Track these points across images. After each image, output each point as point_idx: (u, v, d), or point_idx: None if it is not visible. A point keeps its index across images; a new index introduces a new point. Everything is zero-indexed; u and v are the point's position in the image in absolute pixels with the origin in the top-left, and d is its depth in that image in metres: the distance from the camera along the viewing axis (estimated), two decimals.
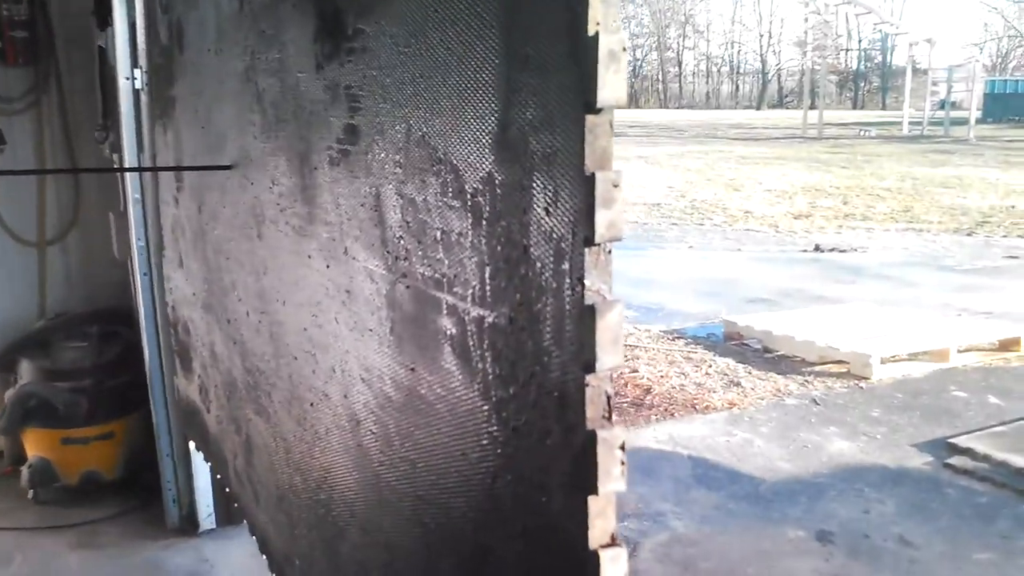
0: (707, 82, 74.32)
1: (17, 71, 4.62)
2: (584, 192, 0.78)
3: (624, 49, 0.77)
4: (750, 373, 6.30)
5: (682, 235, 12.74)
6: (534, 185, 0.86)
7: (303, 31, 1.42)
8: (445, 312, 1.08)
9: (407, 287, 1.17)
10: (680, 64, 72.83)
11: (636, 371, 6.38)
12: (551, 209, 0.84)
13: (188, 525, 4.05)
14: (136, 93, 3.57)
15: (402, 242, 1.17)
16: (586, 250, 0.80)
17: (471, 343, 1.03)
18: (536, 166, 0.85)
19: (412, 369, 1.19)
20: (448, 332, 1.08)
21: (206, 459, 2.84)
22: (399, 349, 1.22)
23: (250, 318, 1.98)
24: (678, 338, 7.27)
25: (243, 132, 1.83)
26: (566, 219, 0.82)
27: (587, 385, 0.84)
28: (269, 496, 2.04)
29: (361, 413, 1.39)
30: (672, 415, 5.55)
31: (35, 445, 4.34)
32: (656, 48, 72.63)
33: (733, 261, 10.83)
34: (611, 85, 0.76)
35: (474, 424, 1.05)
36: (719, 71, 74.67)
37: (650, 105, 69.04)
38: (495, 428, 1.00)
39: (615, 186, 0.78)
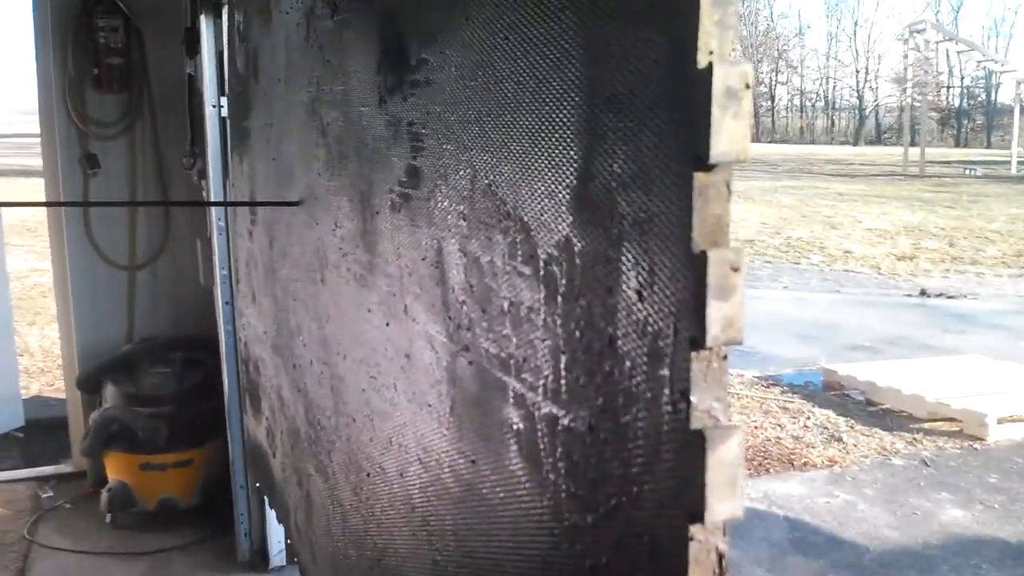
0: (801, 117, 72.87)
1: (112, 97, 4.68)
2: (691, 276, 0.59)
3: (748, 86, 0.57)
4: (852, 428, 5.91)
5: (777, 274, 12.27)
6: (623, 259, 0.67)
7: (366, 61, 1.26)
8: (512, 401, 0.89)
9: (469, 362, 0.98)
10: (773, 99, 71.56)
11: None
12: (645, 293, 0.65)
13: (259, 560, 3.98)
14: (223, 121, 3.52)
15: (465, 308, 0.99)
16: (693, 354, 0.60)
17: (541, 446, 0.83)
18: (626, 234, 0.66)
19: (473, 461, 1.00)
20: (514, 426, 0.89)
21: (270, 505, 2.70)
22: (459, 434, 1.03)
23: (313, 367, 1.82)
24: (773, 385, 6.91)
25: (309, 167, 1.68)
26: (666, 310, 0.62)
27: (691, 539, 0.63)
28: (325, 561, 1.88)
29: (417, 498, 1.20)
30: (767, 470, 5.21)
31: (115, 469, 4.35)
32: None
33: (832, 304, 10.36)
34: (729, 133, 0.57)
35: (540, 547, 0.85)
36: (813, 106, 73.19)
37: None
38: (566, 560, 0.80)
39: (735, 270, 0.58)
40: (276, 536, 3.89)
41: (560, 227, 0.77)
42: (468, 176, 0.96)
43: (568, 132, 0.75)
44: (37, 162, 4.87)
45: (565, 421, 0.78)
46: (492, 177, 0.90)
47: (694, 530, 0.63)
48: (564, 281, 0.77)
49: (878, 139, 66.26)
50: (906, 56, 42.47)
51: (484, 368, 0.95)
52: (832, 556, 4.23)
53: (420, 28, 1.07)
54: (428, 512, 1.20)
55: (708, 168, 0.59)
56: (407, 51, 1.11)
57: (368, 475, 1.43)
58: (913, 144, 38.95)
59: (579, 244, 0.74)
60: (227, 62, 2.92)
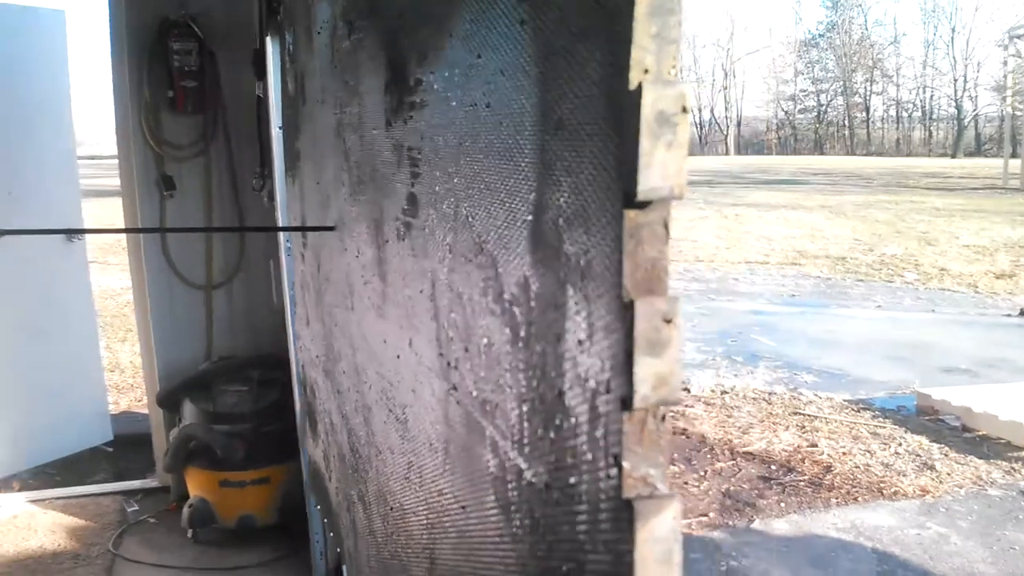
0: (897, 128, 70.64)
1: (187, 119, 4.76)
2: (623, 328, 0.51)
3: (685, 110, 0.49)
4: (946, 455, 5.62)
5: (869, 292, 11.83)
6: (568, 304, 0.60)
7: (376, 82, 1.22)
8: (489, 448, 0.82)
9: (458, 403, 0.92)
10: (868, 109, 69.59)
11: (815, 445, 5.84)
12: (585, 345, 0.58)
13: None
14: None
15: (453, 345, 0.93)
16: (624, 416, 0.53)
17: (511, 499, 0.76)
18: (570, 277, 0.59)
19: (463, 508, 0.93)
20: (492, 474, 0.82)
21: (328, 529, 2.68)
22: (452, 478, 0.97)
23: (350, 394, 1.79)
24: (863, 409, 6.63)
25: (339, 191, 1.65)
26: (600, 364, 0.55)
27: None
28: None
29: (425, 538, 1.14)
30: (855, 499, 4.98)
31: (196, 486, 4.41)
32: (842, 93, 69.82)
33: (927, 324, 9.94)
34: (662, 166, 0.49)
35: None
36: (910, 116, 70.90)
37: (835, 151, 66.26)
38: None
39: (667, 322, 0.50)
40: None
41: (520, 265, 0.70)
42: (452, 205, 0.90)
43: (523, 161, 0.68)
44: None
45: (528, 475, 0.71)
46: (469, 207, 0.84)
47: None
48: (524, 324, 0.70)
49: (978, 150, 63.83)
50: (1006, 63, 40.95)
51: (468, 412, 0.89)
52: None
53: (416, 45, 1.02)
54: (440, 553, 1.14)
55: (640, 206, 0.51)
56: (407, 71, 1.05)
57: (391, 508, 1.38)
58: (1014, 155, 37.38)
59: (535, 285, 0.67)
60: (280, 84, 2.93)
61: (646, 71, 0.49)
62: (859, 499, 4.98)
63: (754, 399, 6.96)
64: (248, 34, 4.18)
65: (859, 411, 6.59)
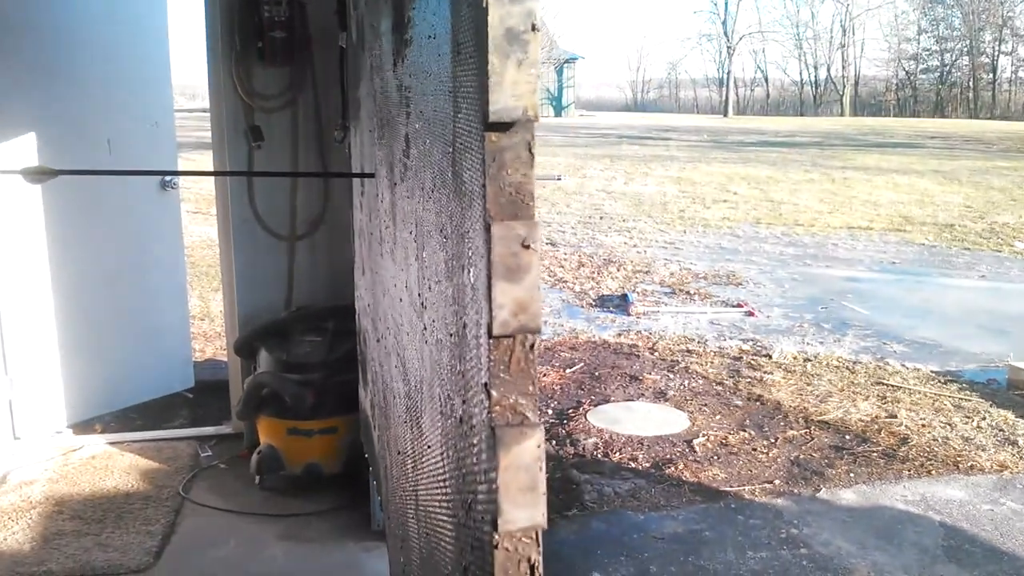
0: None
1: (275, 71, 4.81)
2: (487, 254, 0.49)
3: (535, 27, 0.46)
4: None
5: (974, 262, 11.35)
6: (468, 233, 0.58)
7: (388, 22, 1.21)
8: (438, 386, 0.81)
9: (426, 342, 0.91)
10: (995, 70, 66.09)
11: (894, 416, 5.67)
12: (469, 273, 0.56)
13: None
14: None
15: (425, 284, 0.92)
16: (490, 343, 0.51)
17: (450, 437, 0.75)
18: (467, 205, 0.57)
19: (429, 447, 0.93)
20: (440, 412, 0.81)
21: (372, 476, 2.73)
22: (425, 419, 0.97)
23: (383, 341, 1.80)
24: (951, 382, 6.39)
25: (372, 137, 1.65)
26: (473, 293, 0.53)
27: (496, 547, 0.54)
28: (395, 539, 1.86)
29: (411, 484, 1.15)
30: (929, 472, 4.83)
31: (266, 433, 4.52)
32: (968, 53, 66.38)
33: None
34: (512, 85, 0.46)
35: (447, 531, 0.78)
36: None
37: (957, 115, 63.27)
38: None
39: (525, 247, 0.48)
40: None
41: (449, 196, 0.69)
42: (425, 142, 0.89)
43: (446, 89, 0.66)
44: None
45: (457, 410, 0.70)
46: (429, 143, 0.82)
47: (499, 538, 0.54)
48: (450, 256, 0.68)
49: None
50: None
51: (432, 349, 0.88)
52: (988, 568, 3.88)
53: None
54: (418, 501, 1.14)
55: (501, 128, 0.49)
56: (403, 9, 1.04)
57: (398, 453, 1.39)
58: None
59: (456, 216, 0.65)
60: (347, 34, 2.94)
61: None
62: (932, 472, 4.84)
63: (837, 367, 6.79)
64: None
65: (945, 383, 6.37)
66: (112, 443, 5.06)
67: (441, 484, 0.78)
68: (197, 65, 4.90)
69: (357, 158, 2.65)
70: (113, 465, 4.77)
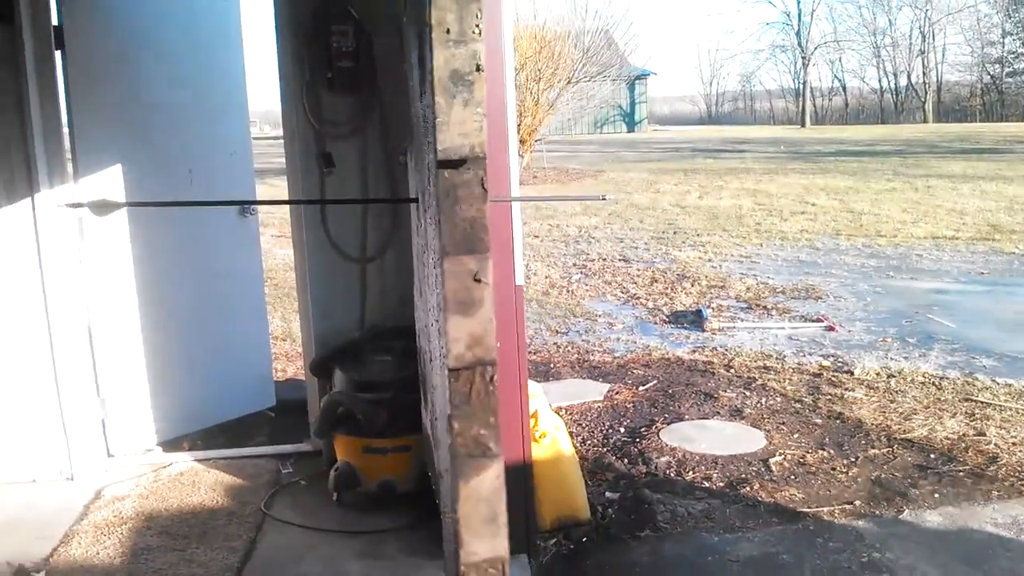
0: None
1: (343, 99, 4.95)
2: (440, 286, 0.51)
3: (479, 68, 0.48)
4: None
5: None
6: (429, 265, 0.59)
7: (415, 54, 1.24)
8: (427, 412, 0.83)
9: (430, 360, 0.94)
10: None
11: (983, 434, 5.47)
12: (432, 305, 0.58)
13: None
14: None
15: (427, 301, 0.94)
16: (450, 375, 0.52)
17: (436, 466, 0.77)
18: (431, 237, 0.58)
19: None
20: (428, 437, 0.83)
21: (435, 498, 2.75)
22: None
23: (431, 365, 1.84)
24: None
25: (412, 161, 1.68)
26: (437, 325, 0.55)
27: None
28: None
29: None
30: (1021, 493, 4.64)
31: (343, 451, 4.63)
32: None
33: None
34: (459, 124, 0.48)
35: None
36: None
37: None
38: None
39: (477, 280, 0.50)
40: None
41: (419, 229, 0.71)
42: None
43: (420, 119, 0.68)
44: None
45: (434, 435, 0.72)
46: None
47: (464, 569, 0.55)
48: (420, 281, 0.70)
49: None
50: None
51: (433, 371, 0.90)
52: None
53: (419, 20, 1.04)
54: None
55: (454, 165, 0.51)
56: (423, 43, 1.07)
57: (439, 473, 1.42)
58: None
59: (427, 247, 0.67)
60: (407, 59, 3.00)
61: (448, 31, 0.49)
62: None
63: (922, 383, 6.60)
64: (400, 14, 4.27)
65: None
66: (199, 460, 5.24)
67: (451, 512, 0.79)
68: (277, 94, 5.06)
69: (413, 182, 2.70)
70: (199, 482, 4.93)
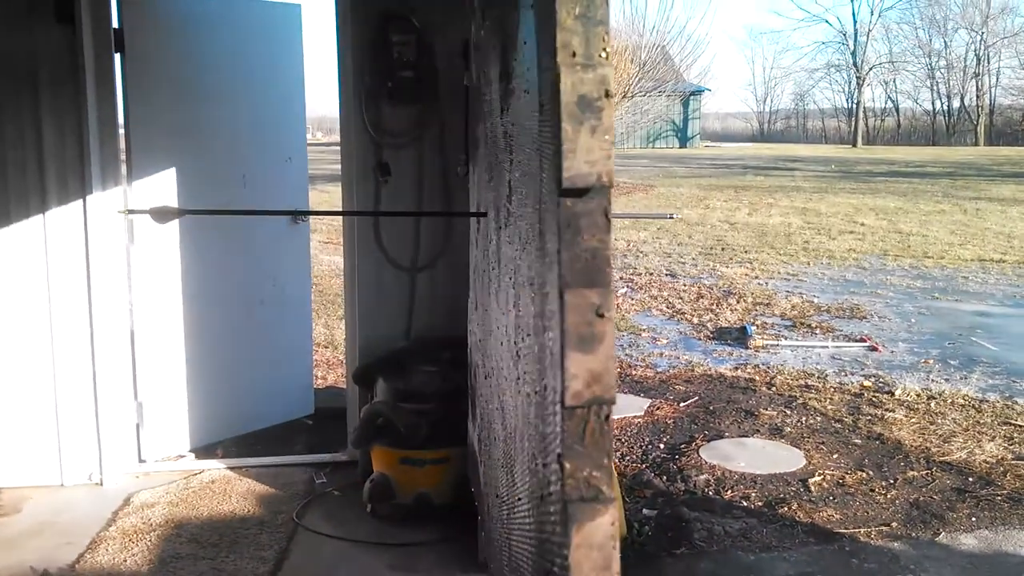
0: None
1: (403, 109, 4.91)
2: (560, 322, 0.50)
3: (608, 94, 0.47)
4: None
5: None
6: (549, 299, 0.59)
7: (495, 70, 1.24)
8: (528, 453, 0.82)
9: (518, 392, 0.93)
10: None
11: (1021, 459, 5.38)
12: (549, 338, 0.57)
13: None
14: None
15: (520, 335, 0.94)
16: (564, 413, 0.52)
17: (546, 495, 0.76)
18: (549, 271, 0.58)
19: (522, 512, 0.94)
20: (528, 476, 0.82)
21: (478, 512, 2.74)
22: (514, 478, 0.98)
23: (489, 379, 1.83)
24: None
25: (482, 177, 1.69)
26: (551, 357, 0.54)
27: None
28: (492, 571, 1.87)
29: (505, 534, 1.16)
30: None
31: (379, 461, 4.58)
32: None
33: None
34: (587, 151, 0.47)
35: None
36: None
37: None
38: None
39: (600, 315, 0.49)
40: None
41: (531, 261, 0.70)
42: (521, 192, 0.91)
43: (536, 146, 0.68)
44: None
45: (527, 461, 0.72)
46: (523, 195, 0.84)
47: None
48: (530, 318, 0.70)
49: None
50: None
51: (525, 404, 0.89)
52: None
53: (510, 31, 1.03)
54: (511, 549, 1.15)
55: (577, 194, 0.50)
56: (509, 57, 1.07)
57: (496, 496, 1.41)
58: None
59: (537, 280, 0.67)
60: (469, 73, 3.00)
61: (573, 54, 0.48)
62: None
63: (963, 406, 6.51)
64: (464, 26, 4.26)
65: None
66: (231, 467, 5.20)
67: (528, 542, 0.78)
68: (332, 101, 5.06)
69: (474, 195, 2.70)
70: (231, 490, 4.89)
